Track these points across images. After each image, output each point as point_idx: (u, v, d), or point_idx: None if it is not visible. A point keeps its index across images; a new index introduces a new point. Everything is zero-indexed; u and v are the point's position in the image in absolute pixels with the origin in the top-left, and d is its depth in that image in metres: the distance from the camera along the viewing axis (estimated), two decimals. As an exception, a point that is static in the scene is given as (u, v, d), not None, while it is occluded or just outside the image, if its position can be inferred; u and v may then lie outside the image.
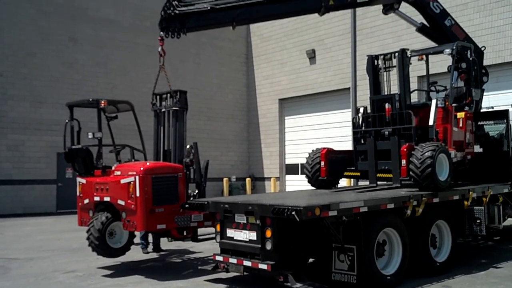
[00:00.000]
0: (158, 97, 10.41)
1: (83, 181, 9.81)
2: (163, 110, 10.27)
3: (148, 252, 11.03)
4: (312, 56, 23.80)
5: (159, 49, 10.02)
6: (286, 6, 9.73)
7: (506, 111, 10.98)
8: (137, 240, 10.32)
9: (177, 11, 9.27)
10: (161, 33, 9.57)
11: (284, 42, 25.23)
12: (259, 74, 26.81)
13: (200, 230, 9.70)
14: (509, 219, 11.08)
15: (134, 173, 8.86)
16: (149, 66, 20.04)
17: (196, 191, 9.94)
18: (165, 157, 10.20)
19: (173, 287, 8.00)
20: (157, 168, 9.29)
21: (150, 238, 11.24)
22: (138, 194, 8.72)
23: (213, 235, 8.66)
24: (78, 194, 9.92)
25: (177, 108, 9.99)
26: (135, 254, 10.36)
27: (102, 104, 9.81)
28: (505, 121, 10.85)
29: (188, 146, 10.11)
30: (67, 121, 10.28)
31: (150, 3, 22.38)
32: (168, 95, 10.17)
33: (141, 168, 8.95)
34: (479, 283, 7.81)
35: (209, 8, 9.26)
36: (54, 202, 21.05)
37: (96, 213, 9.33)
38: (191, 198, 9.55)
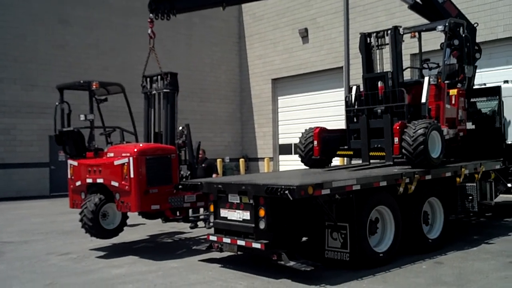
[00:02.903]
0: (148, 79, 10.36)
1: (75, 163, 9.77)
2: (153, 92, 10.23)
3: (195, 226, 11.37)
4: (304, 35, 23.65)
5: (149, 31, 9.94)
6: None
7: (499, 88, 10.97)
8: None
9: None
10: (151, 15, 9.47)
11: (277, 21, 25.05)
12: (252, 54, 26.65)
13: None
14: (501, 195, 11.15)
15: (128, 154, 8.86)
16: (141, 48, 19.72)
17: (189, 172, 9.95)
18: (156, 139, 10.20)
19: (167, 267, 8.03)
20: (150, 149, 9.30)
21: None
22: (132, 175, 8.74)
23: (203, 216, 8.65)
24: (69, 176, 9.89)
25: (167, 90, 9.96)
26: (127, 235, 10.39)
27: (94, 86, 9.69)
28: (497, 97, 10.84)
29: (180, 128, 10.10)
30: (57, 103, 10.20)
31: (140, -17, 22.13)
32: (159, 77, 10.11)
33: (135, 150, 8.95)
34: (471, 259, 7.87)
35: None
36: (47, 185, 21.02)
37: (88, 195, 9.31)
38: (184, 179, 9.56)
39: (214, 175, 12.00)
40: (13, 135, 20.44)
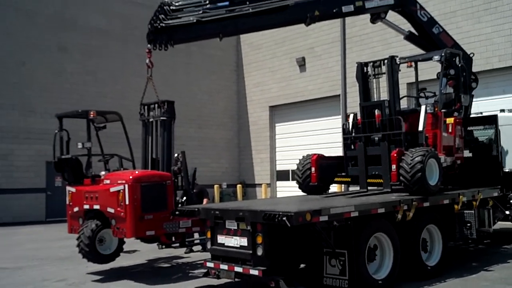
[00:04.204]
0: (146, 107, 10.54)
1: (73, 189, 9.90)
2: (151, 120, 10.39)
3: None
4: (302, 64, 23.89)
5: (147, 61, 10.04)
6: (272, 18, 9.68)
7: (495, 116, 11.05)
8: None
9: (163, 24, 9.25)
10: (149, 45, 9.56)
11: (274, 50, 25.30)
12: (250, 82, 26.85)
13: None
14: (499, 222, 11.13)
15: (124, 181, 8.95)
16: (139, 75, 19.85)
17: (184, 198, 10.00)
18: (153, 165, 10.29)
19: (163, 294, 7.96)
20: (145, 176, 9.37)
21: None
22: (127, 202, 8.82)
23: (198, 240, 8.49)
24: (67, 202, 10.00)
25: (164, 118, 10.12)
26: (124, 260, 10.33)
27: (91, 115, 9.97)
28: (494, 126, 10.92)
29: (176, 155, 10.23)
30: (56, 131, 10.36)
31: (139, 12, 22.30)
32: (156, 105, 10.26)
33: (130, 177, 9.04)
34: (470, 286, 7.83)
35: (195, 21, 9.23)
36: (43, 210, 20.87)
37: (86, 221, 9.40)
38: (179, 205, 9.58)
39: (205, 200, 12.03)
40: (10, 160, 20.38)
